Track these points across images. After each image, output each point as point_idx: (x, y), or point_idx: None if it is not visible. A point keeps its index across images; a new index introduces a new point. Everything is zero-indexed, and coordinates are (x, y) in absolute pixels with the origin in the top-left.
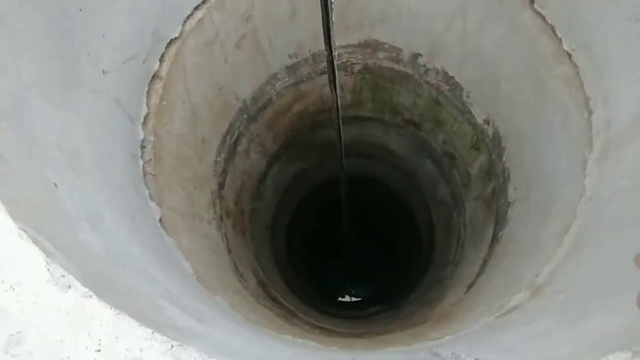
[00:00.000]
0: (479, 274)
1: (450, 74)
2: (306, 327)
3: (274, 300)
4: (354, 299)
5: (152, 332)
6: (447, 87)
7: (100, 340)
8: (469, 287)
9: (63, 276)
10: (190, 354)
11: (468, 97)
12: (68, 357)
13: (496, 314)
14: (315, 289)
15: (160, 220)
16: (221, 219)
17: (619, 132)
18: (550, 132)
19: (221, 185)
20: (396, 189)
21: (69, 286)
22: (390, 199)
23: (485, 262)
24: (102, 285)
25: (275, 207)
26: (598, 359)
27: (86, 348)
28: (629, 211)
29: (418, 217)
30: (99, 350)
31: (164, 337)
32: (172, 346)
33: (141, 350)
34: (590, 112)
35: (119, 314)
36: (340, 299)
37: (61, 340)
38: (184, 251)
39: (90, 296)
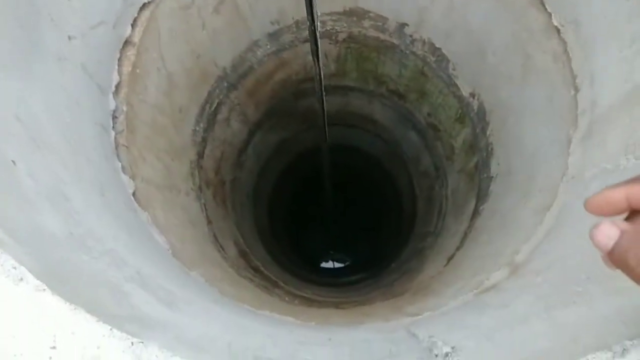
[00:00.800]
0: (459, 247)
1: (437, 46)
2: (287, 298)
3: (256, 269)
4: (336, 265)
5: (110, 329)
6: (433, 59)
7: (55, 336)
8: (449, 259)
9: (14, 268)
10: (152, 352)
11: (454, 69)
12: (21, 354)
13: (475, 291)
14: (298, 257)
15: (133, 194)
16: (200, 189)
17: (604, 112)
18: (536, 108)
19: (200, 155)
20: (379, 159)
21: (21, 278)
22: (373, 169)
23: (465, 235)
24: (58, 276)
25: (257, 176)
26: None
27: (40, 344)
28: None
29: (401, 187)
30: (54, 347)
31: (124, 333)
32: (132, 343)
33: (99, 347)
34: (577, 90)
35: (75, 308)
36: (322, 264)
37: (13, 336)
38: (159, 225)
39: (44, 289)
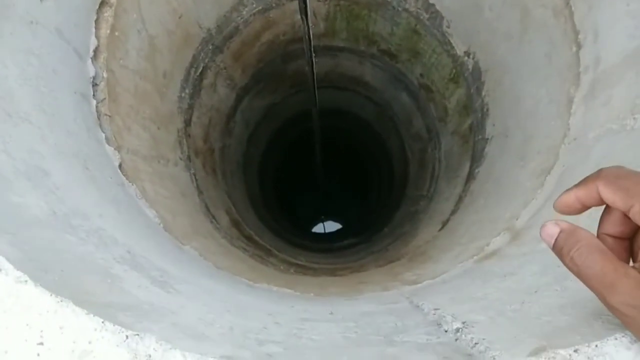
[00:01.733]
0: (453, 211)
1: (431, 1)
2: (281, 267)
3: (249, 238)
4: (327, 230)
5: (103, 322)
6: (426, 16)
7: (42, 331)
8: (444, 224)
9: None
10: (149, 344)
11: (448, 27)
12: (6, 351)
13: (475, 257)
14: (290, 223)
15: (119, 166)
16: (189, 158)
17: (608, 69)
18: (534, 65)
19: (187, 123)
20: (370, 122)
21: None
22: (364, 132)
23: (460, 199)
24: (41, 264)
25: (246, 142)
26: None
27: (26, 341)
28: (615, 156)
29: (392, 150)
30: (41, 343)
31: (117, 326)
32: (127, 336)
33: (90, 342)
34: (579, 47)
35: (61, 301)
36: (314, 230)
37: None
38: (148, 199)
39: (25, 281)
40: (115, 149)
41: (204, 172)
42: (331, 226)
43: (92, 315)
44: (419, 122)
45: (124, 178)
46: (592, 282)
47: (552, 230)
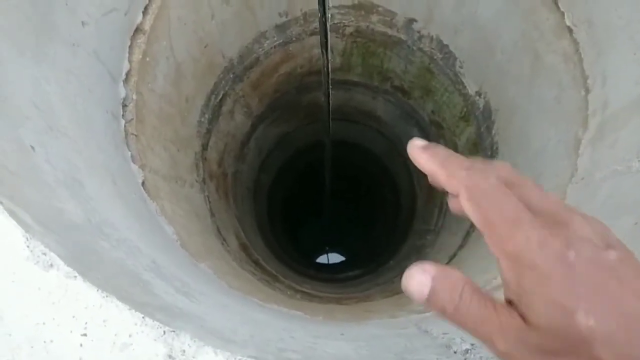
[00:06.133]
0: (461, 246)
1: (445, 42)
2: (288, 293)
3: (256, 263)
4: (331, 261)
5: (143, 317)
6: (440, 56)
7: (86, 323)
8: (451, 258)
9: (44, 254)
10: (184, 341)
11: (461, 67)
12: (51, 341)
13: (486, 288)
14: (296, 252)
15: (142, 183)
16: (204, 181)
17: (615, 113)
18: (543, 107)
19: (204, 147)
20: (380, 156)
21: (51, 265)
22: (374, 165)
23: (468, 234)
24: (86, 262)
25: (258, 169)
26: None
27: (71, 332)
28: (620, 196)
29: (401, 184)
30: (85, 335)
31: (155, 322)
32: (164, 332)
33: (130, 335)
34: (587, 91)
35: (107, 296)
36: (319, 260)
37: (43, 323)
38: (167, 216)
39: (75, 276)
40: (139, 167)
41: (217, 195)
42: (335, 258)
43: (133, 311)
44: None
45: (146, 195)
46: (480, 328)
47: (423, 279)
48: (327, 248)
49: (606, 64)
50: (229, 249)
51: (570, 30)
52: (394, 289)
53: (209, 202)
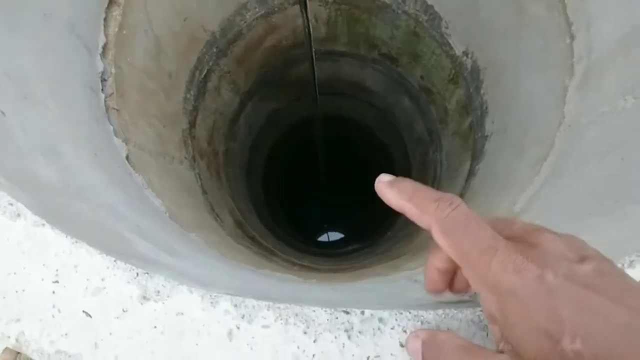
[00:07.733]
0: None
1: (429, 3)
2: (285, 264)
3: (252, 239)
4: (331, 238)
5: (115, 261)
6: (425, 18)
7: (57, 270)
8: None
9: (11, 204)
10: (158, 282)
11: (447, 27)
12: (23, 290)
13: None
14: (293, 229)
15: (127, 157)
16: (194, 159)
17: (601, 57)
18: (530, 60)
19: (192, 124)
20: (372, 127)
21: (18, 214)
22: (367, 137)
23: (461, 196)
24: (57, 214)
25: (250, 147)
26: None
27: (42, 279)
28: (607, 137)
29: (394, 154)
30: (56, 282)
31: (128, 265)
32: (137, 274)
33: (103, 279)
34: (572, 37)
35: (76, 242)
36: (318, 239)
37: (14, 273)
38: (154, 189)
39: (43, 224)
40: (122, 141)
41: (208, 173)
42: (334, 235)
43: (104, 255)
44: (420, 126)
45: (132, 168)
46: None
47: (416, 345)
48: (325, 226)
49: (590, 9)
50: (223, 224)
51: None
52: (391, 256)
53: (200, 179)
